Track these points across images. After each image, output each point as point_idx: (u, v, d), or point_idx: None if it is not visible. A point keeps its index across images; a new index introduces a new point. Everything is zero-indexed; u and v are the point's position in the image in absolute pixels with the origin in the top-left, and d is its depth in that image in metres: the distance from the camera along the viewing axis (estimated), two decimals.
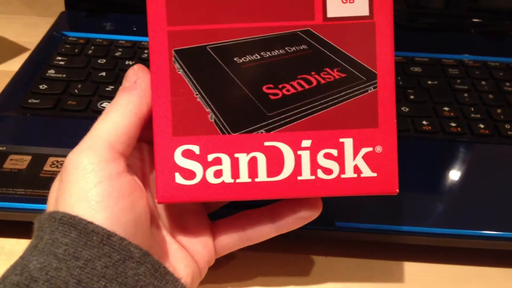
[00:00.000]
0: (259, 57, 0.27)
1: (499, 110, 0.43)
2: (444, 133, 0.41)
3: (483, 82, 0.46)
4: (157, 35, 0.27)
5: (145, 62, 0.46)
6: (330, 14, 0.27)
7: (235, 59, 0.27)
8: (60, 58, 0.46)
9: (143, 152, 0.29)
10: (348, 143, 0.27)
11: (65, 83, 0.43)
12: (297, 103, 0.27)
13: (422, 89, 0.45)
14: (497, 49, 0.52)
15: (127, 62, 0.46)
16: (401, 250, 0.35)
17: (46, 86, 0.42)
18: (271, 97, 0.27)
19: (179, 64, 0.27)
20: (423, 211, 0.35)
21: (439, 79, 0.46)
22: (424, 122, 0.42)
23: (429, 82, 0.46)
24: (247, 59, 0.27)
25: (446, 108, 0.43)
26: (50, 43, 0.48)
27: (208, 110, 0.27)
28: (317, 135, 0.27)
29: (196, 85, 0.27)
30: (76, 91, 0.42)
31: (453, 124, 0.42)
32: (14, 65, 0.48)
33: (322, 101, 0.27)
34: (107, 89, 0.43)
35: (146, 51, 0.48)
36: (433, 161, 0.39)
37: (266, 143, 0.27)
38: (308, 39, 0.27)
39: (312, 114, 0.27)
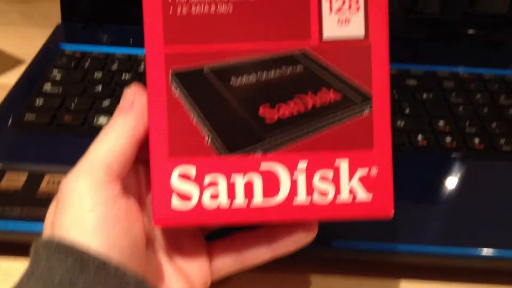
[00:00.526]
0: (255, 78, 0.27)
1: (493, 125, 0.43)
2: (440, 147, 0.41)
3: (478, 96, 0.47)
4: (154, 55, 0.27)
5: (142, 76, 0.46)
6: (326, 35, 0.27)
7: (232, 80, 0.27)
8: (56, 71, 0.46)
9: (139, 173, 0.29)
10: (344, 164, 0.27)
11: (62, 98, 0.43)
12: (293, 124, 0.27)
13: (417, 103, 0.45)
14: (492, 61, 0.52)
15: (123, 76, 0.46)
16: (398, 269, 0.35)
17: (42, 101, 0.42)
18: (268, 119, 0.27)
19: (176, 85, 0.27)
20: (419, 228, 0.35)
21: (434, 92, 0.47)
22: (419, 137, 0.42)
23: (425, 95, 0.46)
24: (244, 81, 0.27)
25: (441, 122, 0.43)
26: (46, 56, 0.48)
27: (205, 131, 0.27)
28: (313, 156, 0.27)
29: (193, 106, 0.27)
30: (72, 106, 0.42)
31: (448, 139, 0.42)
32: (11, 77, 0.48)
33: (318, 123, 0.27)
34: (103, 103, 0.43)
35: (143, 63, 0.48)
36: (429, 177, 0.39)
37: (263, 164, 0.27)
38: (304, 60, 0.27)
39: (308, 136, 0.27)
